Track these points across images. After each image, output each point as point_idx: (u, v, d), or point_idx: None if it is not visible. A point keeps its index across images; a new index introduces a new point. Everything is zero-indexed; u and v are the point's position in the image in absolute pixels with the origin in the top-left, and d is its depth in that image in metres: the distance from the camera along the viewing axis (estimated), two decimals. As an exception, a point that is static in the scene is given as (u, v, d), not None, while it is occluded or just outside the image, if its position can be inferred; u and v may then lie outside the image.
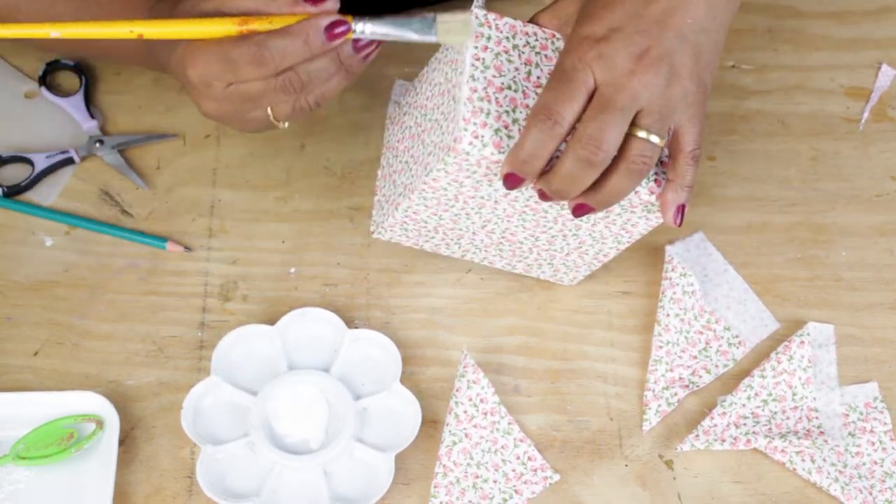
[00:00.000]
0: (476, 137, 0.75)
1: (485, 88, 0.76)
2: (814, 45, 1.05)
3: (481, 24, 0.77)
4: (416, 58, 0.96)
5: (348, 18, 0.74)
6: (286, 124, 0.79)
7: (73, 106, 0.99)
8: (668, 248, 0.91)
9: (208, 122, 0.98)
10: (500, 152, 0.75)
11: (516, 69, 0.78)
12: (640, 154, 0.74)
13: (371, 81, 1.00)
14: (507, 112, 0.76)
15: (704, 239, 0.94)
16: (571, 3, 0.79)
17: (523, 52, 0.78)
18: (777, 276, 0.93)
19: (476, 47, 0.77)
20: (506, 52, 0.78)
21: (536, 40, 0.79)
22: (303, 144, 0.98)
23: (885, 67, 1.04)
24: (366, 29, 0.74)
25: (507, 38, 0.78)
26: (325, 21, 0.73)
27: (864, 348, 0.90)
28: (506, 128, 0.76)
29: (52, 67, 1.00)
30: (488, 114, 0.76)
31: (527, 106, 0.77)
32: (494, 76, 0.77)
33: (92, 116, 0.98)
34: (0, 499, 0.81)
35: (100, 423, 0.83)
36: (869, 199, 0.97)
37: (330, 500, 0.81)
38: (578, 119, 0.74)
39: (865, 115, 1.02)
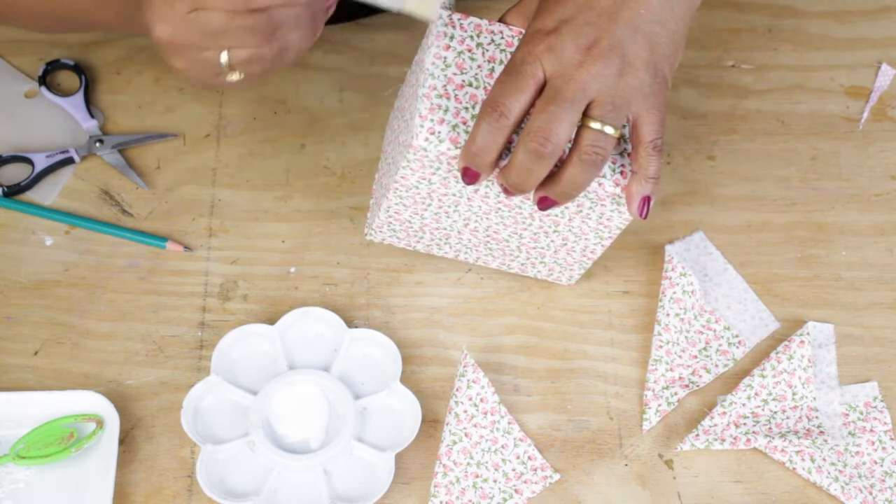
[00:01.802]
0: (432, 133, 0.76)
1: (444, 86, 0.77)
2: (813, 45, 1.05)
3: (445, 24, 0.78)
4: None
5: None
6: (237, 76, 0.76)
7: (73, 106, 0.99)
8: (668, 248, 0.91)
9: (208, 122, 0.98)
10: (456, 147, 0.76)
11: (479, 66, 0.78)
12: (592, 144, 0.74)
13: (371, 81, 1.00)
14: (465, 108, 0.77)
15: (704, 238, 0.94)
16: (535, 1, 0.79)
17: (487, 50, 0.79)
18: (777, 275, 0.93)
19: (438, 46, 0.77)
20: (469, 50, 0.78)
21: (502, 38, 0.79)
22: (303, 144, 0.98)
23: (884, 67, 1.04)
24: None
25: (472, 36, 0.78)
26: None
27: (863, 348, 0.90)
28: (464, 123, 0.77)
29: (52, 67, 1.00)
30: (446, 110, 0.76)
31: None
32: (455, 73, 0.77)
33: (92, 116, 0.98)
34: (0, 498, 0.81)
35: (100, 423, 0.83)
36: (869, 199, 0.97)
37: (330, 500, 0.81)
38: (527, 112, 0.74)
39: (865, 114, 1.02)
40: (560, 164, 0.75)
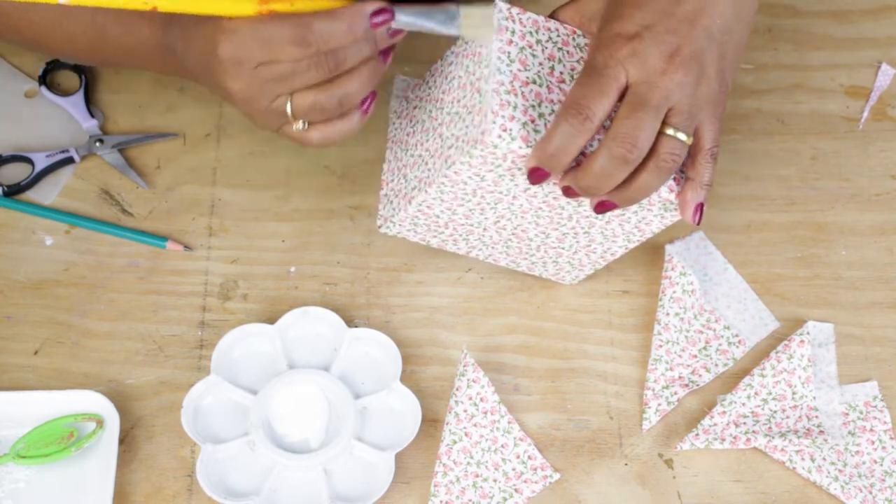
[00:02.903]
0: (504, 130, 0.74)
1: (511, 82, 0.75)
2: (813, 45, 1.05)
3: (506, 18, 0.77)
4: (415, 56, 0.97)
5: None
6: (301, 125, 0.77)
7: (73, 105, 0.99)
8: (668, 247, 0.91)
9: (208, 122, 0.98)
10: (527, 146, 0.75)
11: (540, 64, 0.77)
12: (670, 152, 0.74)
13: (371, 81, 1.00)
14: (532, 106, 0.76)
15: (704, 238, 0.94)
16: (595, 1, 0.79)
17: (546, 48, 0.78)
18: (777, 275, 0.93)
19: (501, 41, 0.76)
20: (530, 46, 0.77)
21: (558, 36, 0.79)
22: (303, 144, 0.98)
23: (884, 66, 1.04)
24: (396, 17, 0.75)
25: (531, 32, 0.77)
26: (371, 7, 0.74)
27: (863, 347, 0.90)
28: (532, 122, 0.76)
29: (52, 67, 1.00)
30: (515, 107, 0.75)
31: (551, 101, 0.77)
32: (520, 70, 0.76)
33: (92, 116, 0.98)
34: (0, 497, 0.81)
35: (100, 422, 0.83)
36: (869, 198, 0.97)
37: (330, 499, 0.81)
38: (608, 116, 0.74)
39: (865, 114, 1.02)
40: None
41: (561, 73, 0.78)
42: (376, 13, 0.74)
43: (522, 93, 0.76)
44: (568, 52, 0.79)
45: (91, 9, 0.82)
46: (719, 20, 0.75)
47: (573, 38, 0.79)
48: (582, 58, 0.80)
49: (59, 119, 0.99)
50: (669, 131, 0.74)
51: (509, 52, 0.76)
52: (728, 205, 0.97)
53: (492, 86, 0.75)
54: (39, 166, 0.95)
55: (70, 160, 0.96)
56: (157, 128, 0.99)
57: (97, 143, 0.97)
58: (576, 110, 0.73)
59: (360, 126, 0.79)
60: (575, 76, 0.79)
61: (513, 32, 0.77)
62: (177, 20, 0.78)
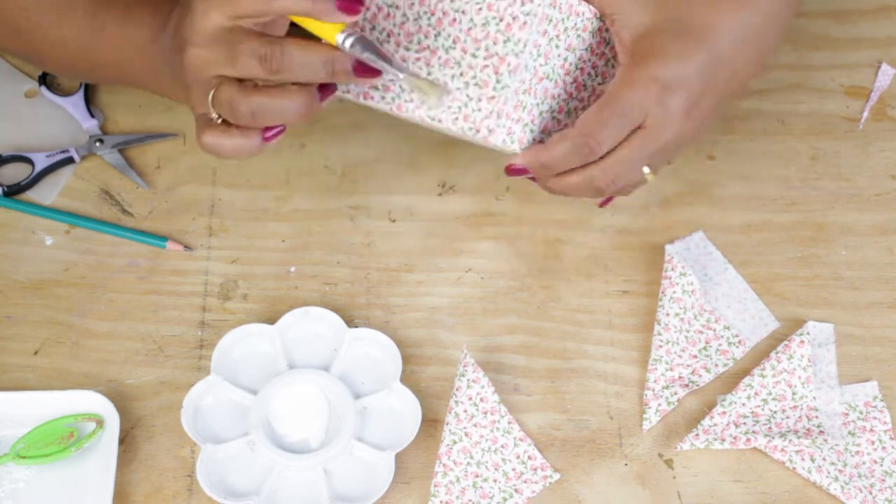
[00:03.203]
0: (510, 134, 0.75)
1: (530, 80, 0.75)
2: (813, 45, 1.05)
3: (550, 5, 0.74)
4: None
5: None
6: (214, 116, 0.73)
7: (73, 105, 0.99)
8: (668, 248, 0.91)
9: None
10: (520, 147, 0.75)
11: (558, 56, 0.76)
12: (632, 185, 0.80)
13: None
14: (537, 104, 0.76)
15: (704, 238, 0.94)
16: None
17: (569, 36, 0.77)
18: (777, 275, 0.93)
19: (537, 32, 0.74)
20: (557, 36, 0.76)
21: (582, 22, 0.77)
22: (303, 144, 0.98)
23: (884, 67, 1.04)
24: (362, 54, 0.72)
25: (563, 19, 0.76)
26: (351, 62, 0.72)
27: (863, 347, 0.90)
28: (532, 122, 0.76)
29: (52, 67, 1.00)
30: (524, 108, 0.75)
31: (553, 97, 0.77)
32: (541, 65, 0.76)
33: (92, 116, 0.98)
34: (0, 498, 0.81)
35: (100, 423, 0.83)
36: (869, 199, 0.97)
37: (330, 499, 0.81)
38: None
39: (865, 114, 1.02)
40: None
41: (571, 63, 0.77)
42: (359, 69, 0.71)
43: (535, 90, 0.75)
44: (583, 38, 0.78)
45: (95, 3, 0.82)
46: (746, 81, 0.78)
47: (591, 23, 0.78)
48: (591, 46, 0.79)
49: (59, 119, 0.99)
50: (645, 170, 0.78)
51: (540, 45, 0.75)
52: (728, 205, 0.97)
53: (514, 83, 0.74)
54: (39, 166, 0.95)
55: (70, 160, 0.96)
56: (157, 128, 0.99)
57: (97, 143, 0.97)
58: (585, 141, 0.75)
59: (255, 152, 0.75)
60: (580, 66, 0.79)
61: (550, 21, 0.75)
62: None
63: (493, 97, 0.74)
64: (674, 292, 0.89)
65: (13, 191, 0.95)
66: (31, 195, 0.95)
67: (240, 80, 0.72)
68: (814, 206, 0.97)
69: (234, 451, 0.83)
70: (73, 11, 0.82)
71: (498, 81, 0.74)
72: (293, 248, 0.94)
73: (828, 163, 0.99)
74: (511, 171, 0.78)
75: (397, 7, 0.76)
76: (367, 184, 0.96)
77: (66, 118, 0.99)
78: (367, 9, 0.76)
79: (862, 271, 0.94)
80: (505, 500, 0.83)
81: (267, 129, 0.75)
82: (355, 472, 0.83)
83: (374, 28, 0.77)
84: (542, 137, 0.80)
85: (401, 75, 0.72)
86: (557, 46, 0.76)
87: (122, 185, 0.96)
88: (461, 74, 0.75)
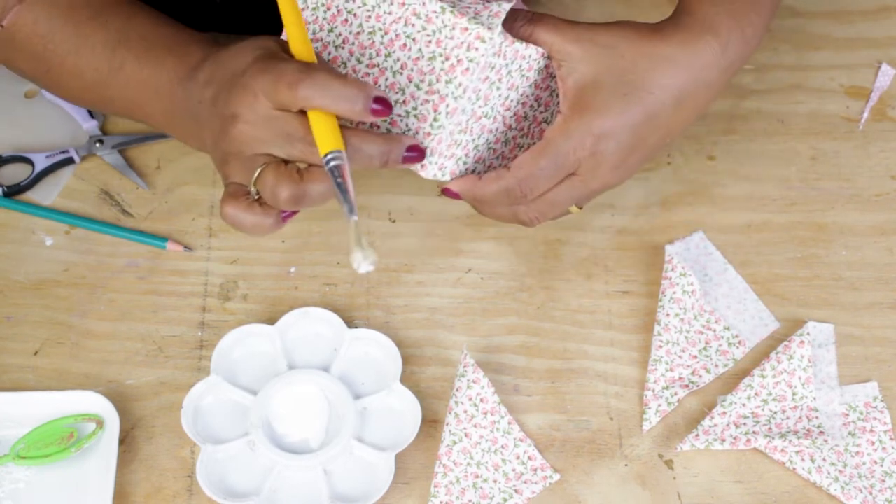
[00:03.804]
0: (441, 169, 0.77)
1: (468, 120, 0.77)
2: (813, 45, 1.05)
3: (494, 55, 0.75)
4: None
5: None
6: (254, 193, 0.73)
7: (73, 105, 0.99)
8: (668, 248, 0.91)
9: (208, 122, 0.98)
10: (450, 178, 0.78)
11: (499, 95, 0.78)
12: (557, 218, 0.84)
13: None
14: (473, 140, 0.78)
15: (704, 238, 0.94)
16: (575, 32, 0.79)
17: (512, 77, 0.78)
18: (777, 275, 0.93)
19: (478, 78, 0.75)
20: (500, 79, 0.77)
21: (527, 63, 0.79)
22: (303, 144, 0.98)
23: (884, 67, 1.04)
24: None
25: (507, 64, 0.77)
26: (402, 150, 0.75)
27: (863, 348, 0.90)
28: (465, 155, 0.79)
29: (52, 67, 1.00)
30: (459, 145, 0.77)
31: (490, 131, 0.79)
32: (480, 106, 0.77)
33: (92, 116, 0.98)
34: (0, 498, 0.81)
35: (100, 423, 0.83)
36: (869, 199, 0.97)
37: (330, 500, 0.81)
38: None
39: (865, 114, 1.02)
40: None
41: (512, 100, 0.79)
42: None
43: (471, 128, 0.77)
44: (527, 77, 0.79)
45: (115, 40, 0.81)
46: (677, 136, 0.82)
47: (538, 63, 0.79)
48: (535, 83, 0.80)
49: (59, 119, 0.99)
50: (572, 209, 0.83)
51: (480, 90, 0.76)
52: (728, 205, 0.97)
53: (450, 125, 0.75)
54: (39, 167, 0.95)
55: (70, 160, 0.96)
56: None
57: (97, 144, 0.97)
58: (518, 185, 0.79)
59: (272, 231, 0.75)
60: (522, 101, 0.81)
61: (493, 68, 0.76)
62: (214, 55, 0.77)
63: (429, 133, 0.76)
64: (674, 293, 0.89)
65: (13, 191, 0.95)
66: (31, 195, 0.95)
67: (285, 162, 0.73)
68: (814, 206, 0.97)
69: (234, 451, 0.83)
70: (94, 45, 0.82)
71: (435, 120, 0.75)
72: (293, 248, 0.93)
73: (828, 163, 0.99)
74: (446, 192, 0.81)
75: (355, 15, 0.76)
76: (367, 184, 0.96)
77: (65, 118, 0.99)
78: (329, 9, 0.77)
79: (862, 272, 0.94)
80: (505, 500, 0.83)
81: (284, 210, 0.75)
82: (355, 473, 0.83)
83: (331, 31, 0.77)
84: (476, 167, 0.82)
85: (351, 218, 0.70)
86: (499, 88, 0.78)
87: (122, 186, 0.96)
88: (404, 102, 0.76)
